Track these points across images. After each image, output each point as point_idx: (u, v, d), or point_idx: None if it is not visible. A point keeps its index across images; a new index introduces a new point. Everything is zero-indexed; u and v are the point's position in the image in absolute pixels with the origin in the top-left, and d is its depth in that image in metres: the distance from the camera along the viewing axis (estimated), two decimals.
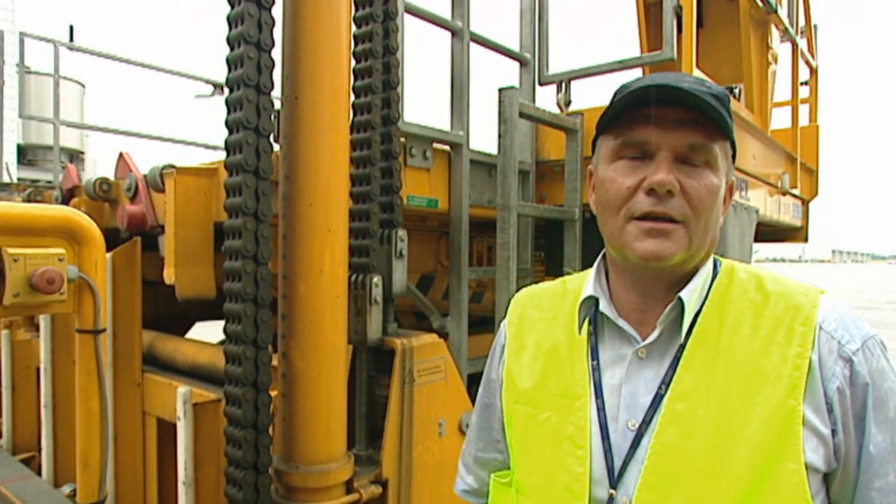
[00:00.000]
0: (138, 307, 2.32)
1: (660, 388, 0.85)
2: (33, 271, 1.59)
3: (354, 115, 1.93)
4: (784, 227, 4.23)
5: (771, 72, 3.93)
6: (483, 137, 2.68)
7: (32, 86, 8.00)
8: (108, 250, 1.96)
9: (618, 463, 0.85)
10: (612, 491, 0.85)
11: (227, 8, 1.62)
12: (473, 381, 2.18)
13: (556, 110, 2.90)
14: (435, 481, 2.03)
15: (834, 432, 0.80)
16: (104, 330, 1.77)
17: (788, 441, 0.77)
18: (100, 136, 6.05)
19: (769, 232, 4.34)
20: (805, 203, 4.63)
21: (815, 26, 4.80)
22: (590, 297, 0.93)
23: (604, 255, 0.98)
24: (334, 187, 1.68)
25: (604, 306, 0.92)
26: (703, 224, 0.84)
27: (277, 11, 1.64)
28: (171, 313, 3.14)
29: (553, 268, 2.83)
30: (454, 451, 1.98)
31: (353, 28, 1.92)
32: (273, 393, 1.71)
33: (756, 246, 3.46)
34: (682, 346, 0.85)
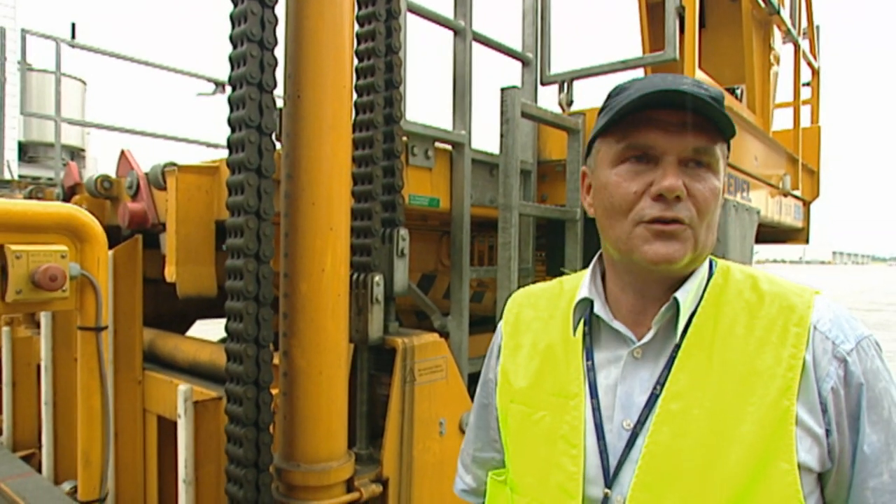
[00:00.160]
0: (139, 305, 2.32)
1: (655, 387, 0.85)
2: (36, 268, 1.59)
3: (357, 113, 1.93)
4: (785, 228, 4.24)
5: (773, 73, 3.93)
6: (485, 137, 2.68)
7: (34, 83, 8.00)
8: (109, 248, 1.96)
9: (613, 462, 0.85)
10: (608, 490, 0.85)
11: (230, 6, 1.62)
12: (474, 381, 2.17)
13: (558, 110, 2.90)
14: (435, 480, 2.03)
15: (828, 432, 0.80)
16: (106, 327, 1.77)
17: (781, 441, 0.78)
18: (101, 133, 6.03)
19: (770, 233, 4.34)
20: (806, 204, 4.63)
21: (818, 27, 4.79)
22: (584, 300, 0.93)
23: (599, 257, 0.98)
24: (336, 186, 1.68)
25: (598, 308, 0.92)
26: (707, 225, 0.85)
27: (280, 9, 1.64)
28: (172, 311, 3.14)
29: (554, 267, 2.83)
30: (455, 450, 1.98)
31: (356, 27, 1.92)
32: (274, 391, 1.71)
33: (757, 247, 3.46)
34: (678, 347, 0.86)
